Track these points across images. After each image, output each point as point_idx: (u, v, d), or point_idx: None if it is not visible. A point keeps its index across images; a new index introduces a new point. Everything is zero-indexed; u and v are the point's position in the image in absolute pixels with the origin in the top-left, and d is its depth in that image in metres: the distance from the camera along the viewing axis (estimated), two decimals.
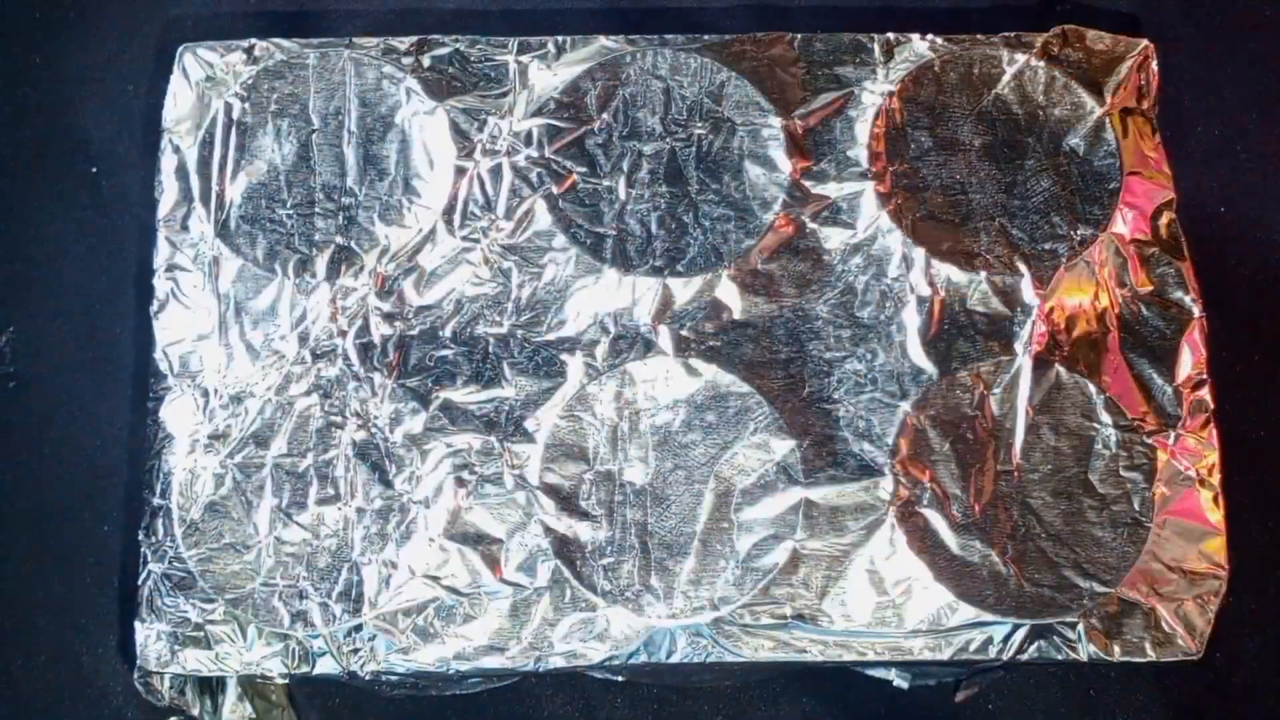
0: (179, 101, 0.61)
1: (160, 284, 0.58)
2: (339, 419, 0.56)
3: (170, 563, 0.54)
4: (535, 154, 0.60)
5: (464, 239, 0.59)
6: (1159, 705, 0.61)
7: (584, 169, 0.60)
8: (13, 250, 0.66)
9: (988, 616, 0.53)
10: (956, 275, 0.58)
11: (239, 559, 0.54)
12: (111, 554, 0.62)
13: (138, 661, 0.54)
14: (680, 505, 0.55)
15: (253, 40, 0.61)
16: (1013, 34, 0.62)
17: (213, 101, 0.60)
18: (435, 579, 0.54)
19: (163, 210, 0.59)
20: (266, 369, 0.57)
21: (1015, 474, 0.55)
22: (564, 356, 0.57)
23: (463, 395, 0.56)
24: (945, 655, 0.53)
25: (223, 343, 0.57)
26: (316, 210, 0.59)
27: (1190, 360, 0.57)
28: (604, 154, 0.60)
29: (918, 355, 0.57)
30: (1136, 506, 0.55)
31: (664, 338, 0.57)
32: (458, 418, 0.56)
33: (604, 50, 0.61)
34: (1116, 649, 0.53)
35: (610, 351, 0.57)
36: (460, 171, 0.60)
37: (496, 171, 0.60)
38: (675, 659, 0.53)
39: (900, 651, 0.53)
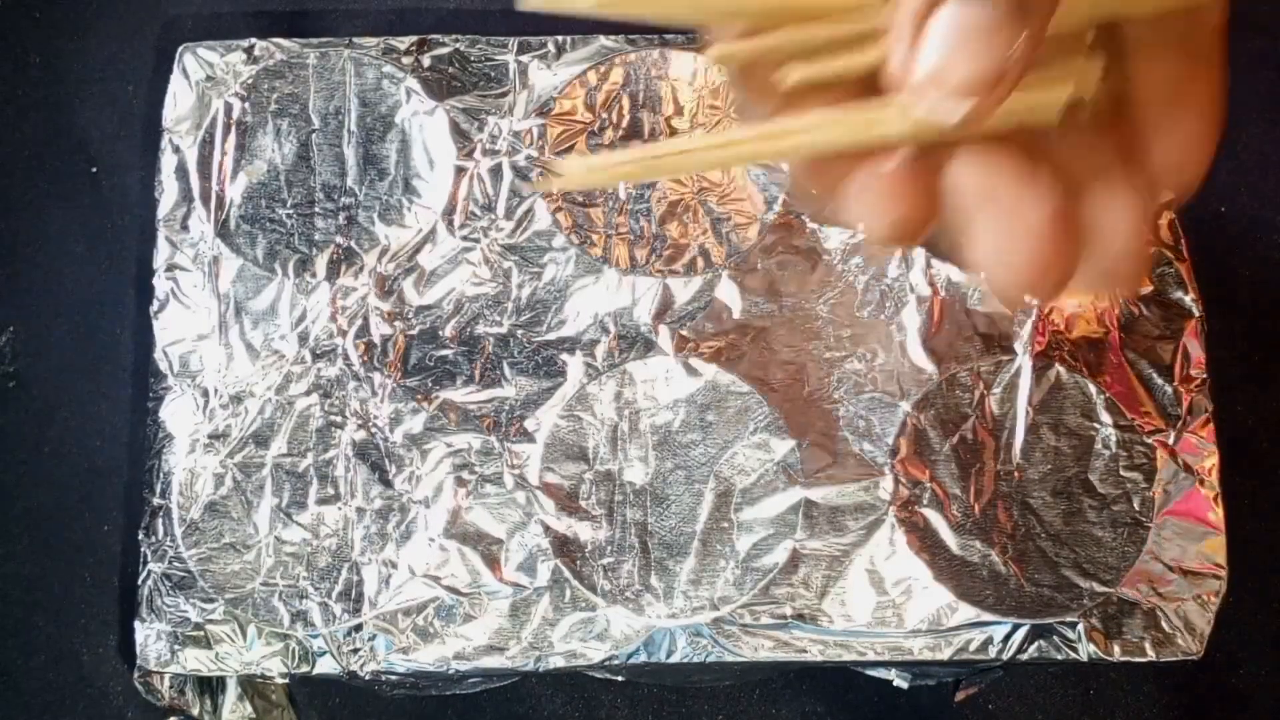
0: (179, 101, 0.61)
1: (160, 284, 0.58)
2: (339, 419, 0.56)
3: (170, 562, 0.54)
4: (535, 154, 0.60)
5: (464, 239, 0.59)
6: (1159, 705, 0.61)
7: None
8: (13, 250, 0.66)
9: (988, 616, 0.53)
10: (957, 274, 0.58)
11: (239, 559, 0.54)
12: (111, 554, 0.62)
13: (137, 661, 0.54)
14: (680, 505, 0.55)
15: (253, 40, 0.61)
16: None
17: (213, 101, 0.60)
18: (435, 579, 0.54)
19: (163, 210, 0.59)
20: (266, 369, 0.57)
21: (1015, 474, 0.55)
22: (564, 356, 0.57)
23: (463, 395, 0.56)
24: (945, 655, 0.53)
25: (223, 342, 0.57)
26: (316, 210, 0.59)
27: (1190, 360, 0.57)
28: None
29: (918, 355, 0.57)
30: (1136, 506, 0.55)
31: (664, 337, 0.57)
32: (458, 418, 0.56)
33: (604, 50, 0.61)
34: (1116, 649, 0.53)
35: (610, 351, 0.57)
36: (460, 171, 0.60)
37: (496, 171, 0.60)
38: (675, 659, 0.53)
39: (900, 651, 0.53)
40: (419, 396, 0.56)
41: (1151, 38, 0.26)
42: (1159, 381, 0.57)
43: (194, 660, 0.53)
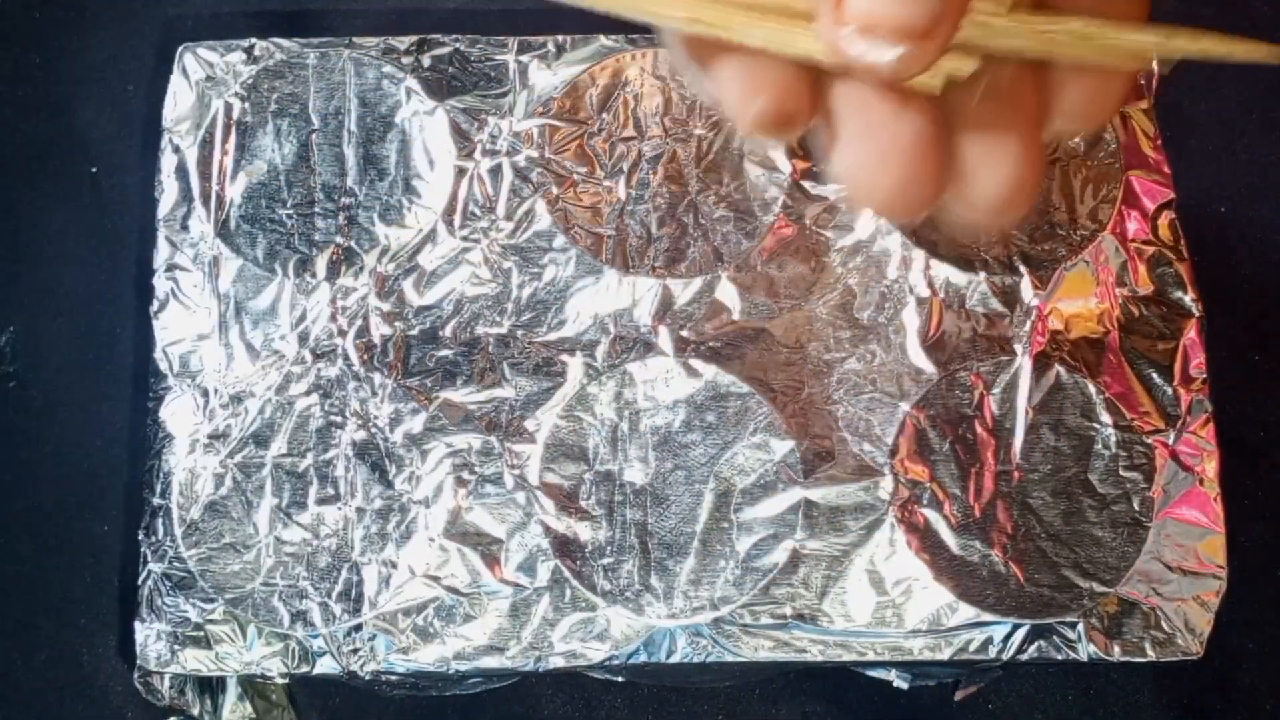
0: (179, 101, 0.61)
1: (160, 284, 0.58)
2: (339, 419, 0.56)
3: (170, 562, 0.54)
4: (535, 154, 0.60)
5: (464, 239, 0.59)
6: (1159, 705, 0.61)
7: (584, 169, 0.60)
8: (13, 250, 0.66)
9: (988, 616, 0.53)
10: (956, 276, 0.58)
11: (239, 559, 0.54)
12: (111, 554, 0.62)
13: (137, 661, 0.54)
14: (680, 505, 0.55)
15: (253, 40, 0.61)
16: None
17: (213, 101, 0.60)
18: (435, 579, 0.54)
19: (163, 210, 0.59)
20: (266, 369, 0.57)
21: (1015, 474, 0.55)
22: (564, 357, 0.57)
23: (463, 395, 0.56)
24: (945, 655, 0.53)
25: (223, 343, 0.57)
26: (316, 210, 0.59)
27: (1190, 360, 0.57)
28: (604, 154, 0.60)
29: (917, 355, 0.57)
30: (1136, 506, 0.55)
31: (664, 338, 0.57)
32: (458, 418, 0.56)
33: (604, 50, 0.61)
34: (1116, 649, 0.53)
35: (610, 352, 0.57)
36: (460, 171, 0.60)
37: (496, 171, 0.60)
38: (675, 659, 0.53)
39: (900, 651, 0.53)
40: (419, 396, 0.56)
41: None
42: (1159, 381, 0.57)
43: (194, 660, 0.53)
